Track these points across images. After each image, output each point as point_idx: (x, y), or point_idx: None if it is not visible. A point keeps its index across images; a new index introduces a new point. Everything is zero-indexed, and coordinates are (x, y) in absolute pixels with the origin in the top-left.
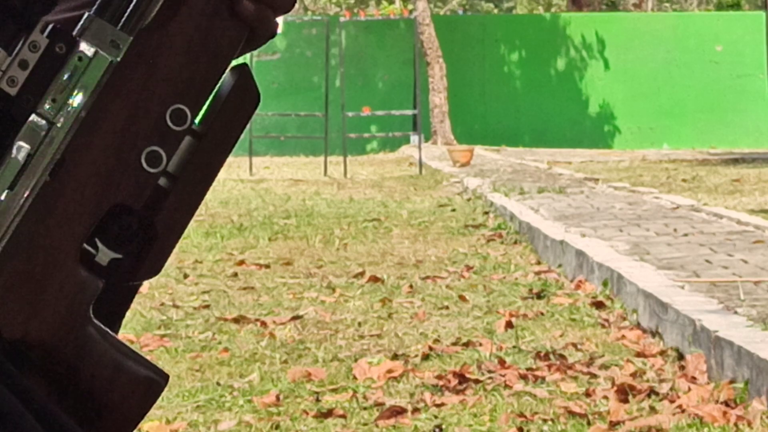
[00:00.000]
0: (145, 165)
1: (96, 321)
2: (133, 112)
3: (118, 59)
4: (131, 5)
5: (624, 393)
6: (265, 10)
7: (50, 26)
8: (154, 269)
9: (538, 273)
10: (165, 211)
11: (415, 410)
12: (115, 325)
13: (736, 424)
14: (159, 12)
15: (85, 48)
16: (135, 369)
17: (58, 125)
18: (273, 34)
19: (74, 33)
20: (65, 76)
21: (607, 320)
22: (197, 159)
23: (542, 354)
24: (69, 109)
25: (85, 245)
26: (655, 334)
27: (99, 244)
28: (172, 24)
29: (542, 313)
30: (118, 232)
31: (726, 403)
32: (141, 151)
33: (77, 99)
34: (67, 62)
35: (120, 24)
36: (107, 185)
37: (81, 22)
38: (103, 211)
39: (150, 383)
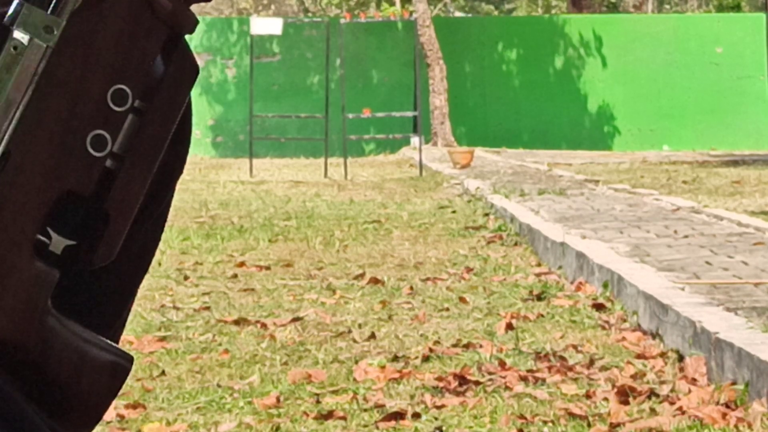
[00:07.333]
0: (90, 149)
1: (55, 311)
2: (74, 97)
3: (53, 44)
4: None
5: (624, 395)
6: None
7: None
8: (110, 252)
9: (538, 275)
10: (115, 192)
11: (416, 412)
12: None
13: (736, 426)
14: None
15: (19, 36)
16: (99, 355)
17: None
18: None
19: (6, 22)
20: (1, 68)
21: (607, 322)
22: (142, 136)
23: (542, 356)
24: (9, 101)
25: (37, 235)
26: (655, 335)
27: (51, 233)
28: (104, 3)
29: (542, 315)
30: (69, 218)
31: (726, 405)
32: (86, 136)
33: (16, 90)
34: (1, 53)
35: (51, 8)
36: (55, 174)
37: (11, 10)
38: (52, 200)
39: (115, 367)
